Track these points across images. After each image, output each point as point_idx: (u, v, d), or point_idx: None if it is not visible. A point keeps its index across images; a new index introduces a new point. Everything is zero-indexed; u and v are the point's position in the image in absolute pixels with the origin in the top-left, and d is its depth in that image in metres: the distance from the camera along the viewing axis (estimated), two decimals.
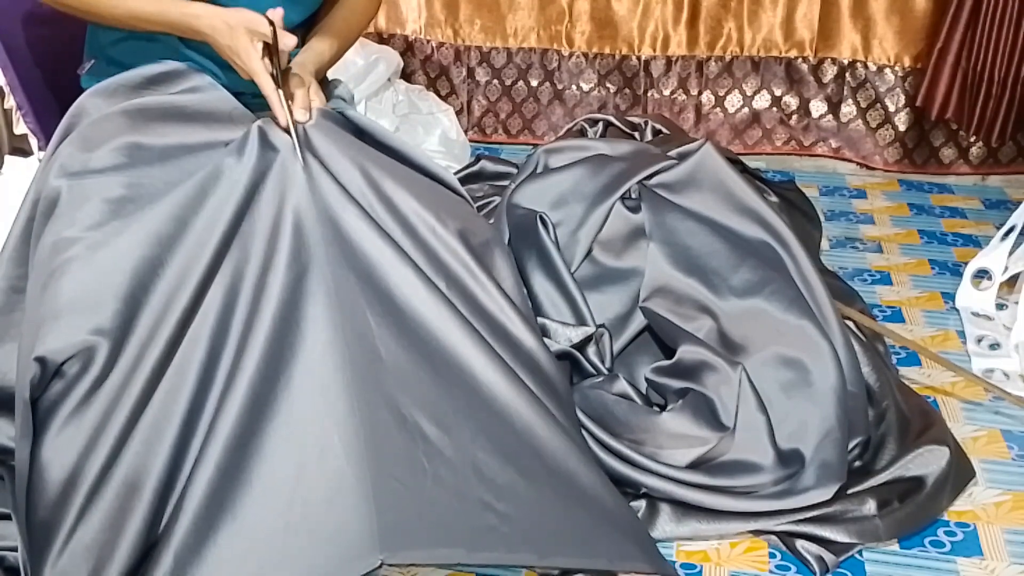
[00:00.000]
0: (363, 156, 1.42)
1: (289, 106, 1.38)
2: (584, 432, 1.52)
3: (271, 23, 1.35)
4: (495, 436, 1.30)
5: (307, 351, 1.26)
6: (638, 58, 2.78)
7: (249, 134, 1.37)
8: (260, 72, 1.36)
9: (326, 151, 1.39)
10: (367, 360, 1.27)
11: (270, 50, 1.36)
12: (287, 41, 1.37)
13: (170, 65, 1.47)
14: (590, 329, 1.68)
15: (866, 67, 2.67)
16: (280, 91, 1.37)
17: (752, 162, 2.56)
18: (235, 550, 1.17)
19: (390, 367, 1.28)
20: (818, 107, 2.75)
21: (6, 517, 1.34)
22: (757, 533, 1.50)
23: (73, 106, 1.44)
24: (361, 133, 1.49)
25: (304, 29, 1.59)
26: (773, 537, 1.49)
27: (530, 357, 1.42)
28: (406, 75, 2.92)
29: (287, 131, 1.36)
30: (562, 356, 1.64)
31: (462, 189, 1.54)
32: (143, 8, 1.39)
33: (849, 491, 1.51)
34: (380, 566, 1.15)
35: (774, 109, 2.78)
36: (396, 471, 1.22)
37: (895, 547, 1.48)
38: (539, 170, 1.95)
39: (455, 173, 2.36)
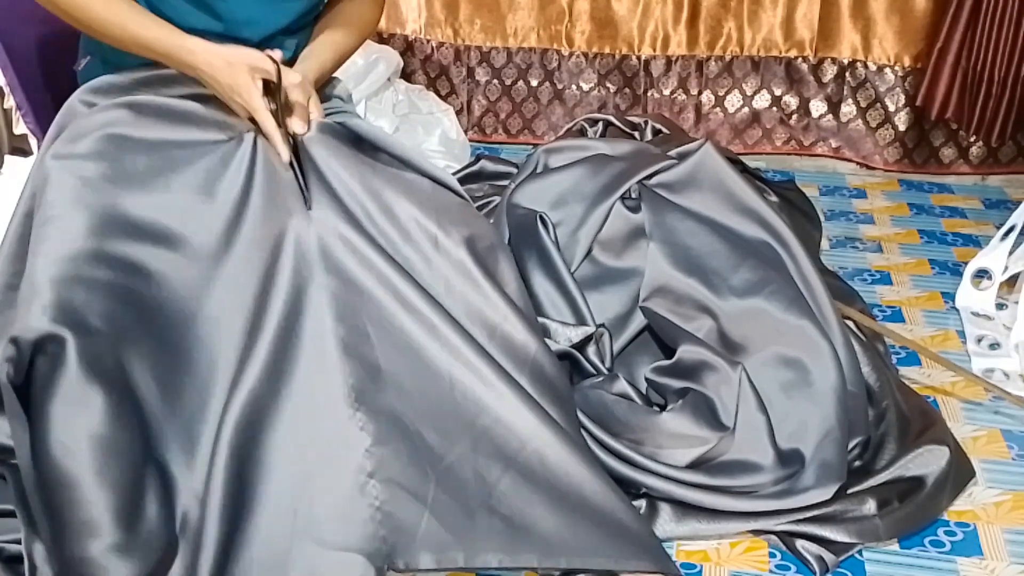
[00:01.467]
0: (363, 167, 1.41)
1: (291, 140, 1.35)
2: (584, 432, 1.52)
3: (274, 61, 1.34)
4: (496, 442, 1.31)
5: (308, 362, 1.27)
6: (638, 58, 2.78)
7: (243, 143, 1.37)
8: (261, 109, 1.34)
9: (325, 164, 1.39)
10: (368, 370, 1.28)
11: (270, 88, 1.34)
12: (291, 78, 1.35)
13: (164, 70, 1.46)
14: (590, 329, 1.68)
15: (866, 67, 2.67)
16: (282, 129, 1.35)
17: (752, 162, 2.56)
18: (243, 563, 1.20)
19: (390, 378, 1.29)
20: (818, 107, 2.75)
21: (5, 514, 1.34)
22: (757, 533, 1.50)
23: (64, 107, 1.44)
24: (360, 141, 1.48)
25: (307, 32, 1.59)
26: (773, 537, 1.49)
27: (534, 362, 1.42)
28: (406, 75, 2.92)
29: (290, 167, 1.34)
30: (562, 356, 1.64)
31: (463, 191, 1.54)
32: (143, 34, 1.38)
33: (849, 491, 1.51)
34: (385, 572, 1.16)
35: (774, 109, 2.78)
36: (400, 478, 1.24)
37: (895, 547, 1.48)
38: (539, 170, 1.95)
39: (455, 173, 2.36)
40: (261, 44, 1.46)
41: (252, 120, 1.38)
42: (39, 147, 1.75)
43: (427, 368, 1.31)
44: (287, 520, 1.20)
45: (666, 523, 1.49)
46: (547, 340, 1.59)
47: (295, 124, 1.40)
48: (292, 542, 1.19)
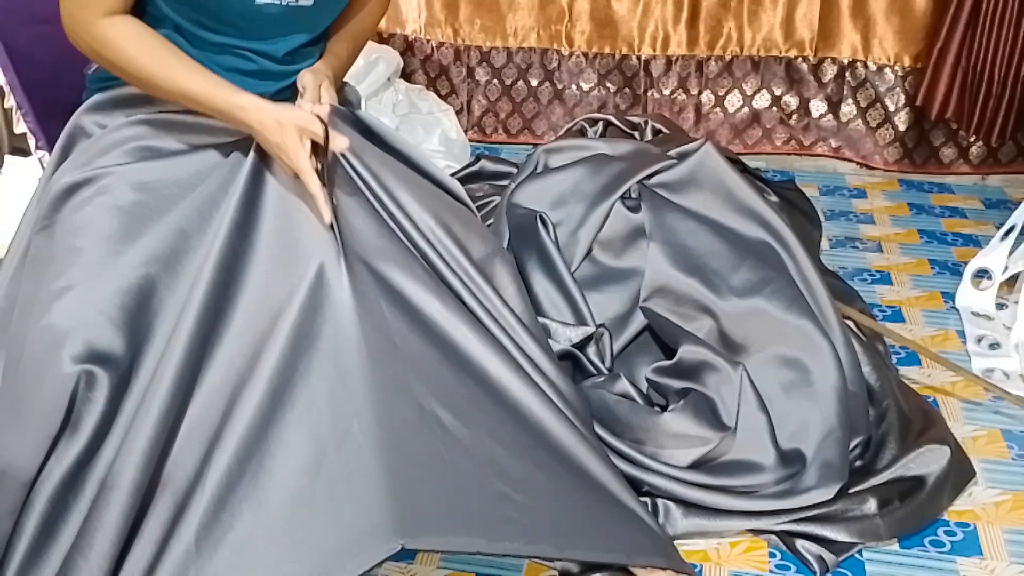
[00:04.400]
0: (370, 154, 1.42)
1: (332, 197, 1.33)
2: None
3: (323, 122, 1.32)
4: (510, 430, 1.31)
5: (327, 339, 1.27)
6: (638, 58, 2.78)
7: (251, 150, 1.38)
8: (308, 171, 1.31)
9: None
10: (384, 350, 1.28)
11: (316, 148, 1.33)
12: (339, 142, 1.34)
13: None
14: (590, 329, 1.68)
15: (866, 67, 2.67)
16: (326, 189, 1.32)
17: (752, 162, 2.56)
18: (256, 536, 1.19)
19: (406, 358, 1.29)
20: (818, 107, 2.75)
21: None
22: (758, 532, 1.50)
23: (69, 124, 1.44)
24: (370, 134, 1.49)
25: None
26: (773, 537, 1.49)
27: (535, 367, 1.42)
28: (406, 75, 2.92)
29: (331, 229, 1.32)
30: (563, 356, 1.64)
31: (467, 199, 1.54)
32: (193, 88, 1.35)
33: (850, 490, 1.51)
34: (400, 550, 1.16)
35: (774, 109, 2.78)
36: (416, 458, 1.23)
37: (895, 547, 1.49)
38: (539, 170, 1.95)
39: (455, 173, 2.36)
40: (286, 58, 1.47)
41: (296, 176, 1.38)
42: (39, 146, 1.75)
43: (440, 352, 1.32)
44: (302, 497, 1.20)
45: (668, 522, 1.49)
46: (548, 341, 1.59)
47: (307, 106, 1.39)
48: (308, 519, 1.19)
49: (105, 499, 1.19)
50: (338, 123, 1.42)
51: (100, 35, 1.34)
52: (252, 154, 1.36)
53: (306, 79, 1.43)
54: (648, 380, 1.68)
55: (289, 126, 1.31)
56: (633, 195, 1.82)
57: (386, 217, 1.39)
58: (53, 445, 1.20)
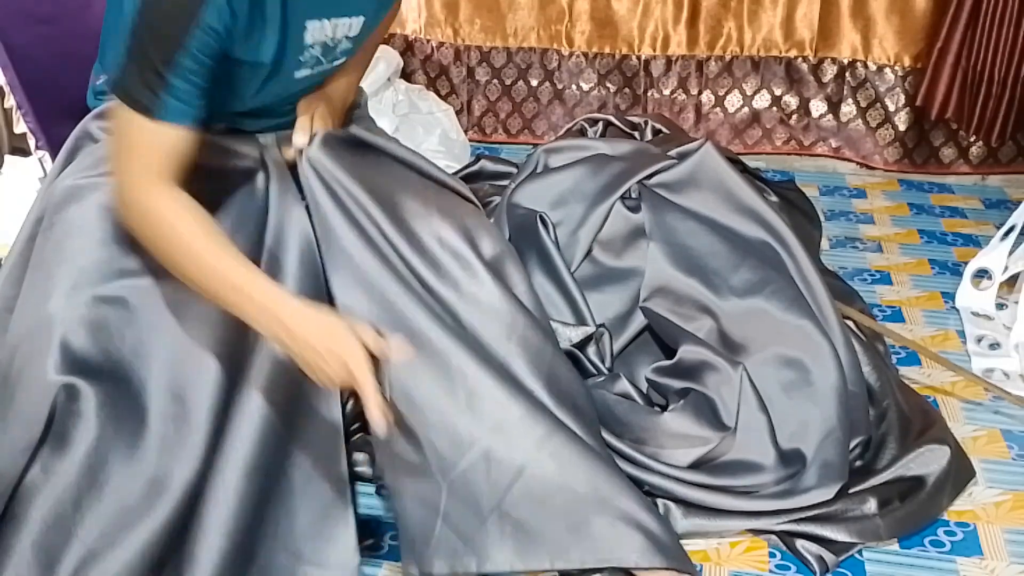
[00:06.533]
0: (368, 171, 1.42)
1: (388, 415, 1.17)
2: None
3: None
4: (508, 448, 1.32)
5: None
6: (638, 58, 2.78)
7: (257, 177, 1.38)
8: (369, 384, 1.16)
9: (329, 173, 1.38)
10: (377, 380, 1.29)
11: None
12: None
13: None
14: (590, 329, 1.68)
15: (866, 67, 2.67)
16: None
17: (752, 162, 2.56)
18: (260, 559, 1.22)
19: (399, 387, 1.30)
20: (818, 107, 2.75)
21: None
22: (758, 532, 1.50)
23: (77, 129, 1.44)
24: (367, 148, 1.48)
25: None
26: (773, 537, 1.49)
27: (550, 369, 1.43)
28: (406, 75, 2.92)
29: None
30: None
31: (473, 197, 1.54)
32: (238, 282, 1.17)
33: (850, 490, 1.51)
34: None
35: (774, 109, 2.78)
36: (414, 488, 1.27)
37: (895, 547, 1.48)
38: (539, 170, 1.95)
39: (455, 173, 2.36)
40: (301, 94, 1.44)
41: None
42: (38, 146, 1.75)
43: (437, 378, 1.32)
44: (300, 531, 1.22)
45: (668, 522, 1.49)
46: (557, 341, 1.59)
47: (297, 137, 1.38)
48: (297, 567, 1.22)
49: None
50: (326, 149, 1.39)
51: (152, 209, 1.18)
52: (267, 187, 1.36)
53: (300, 107, 1.41)
54: (648, 380, 1.68)
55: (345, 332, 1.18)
56: (633, 195, 1.82)
57: (381, 242, 1.38)
58: (34, 453, 1.20)
